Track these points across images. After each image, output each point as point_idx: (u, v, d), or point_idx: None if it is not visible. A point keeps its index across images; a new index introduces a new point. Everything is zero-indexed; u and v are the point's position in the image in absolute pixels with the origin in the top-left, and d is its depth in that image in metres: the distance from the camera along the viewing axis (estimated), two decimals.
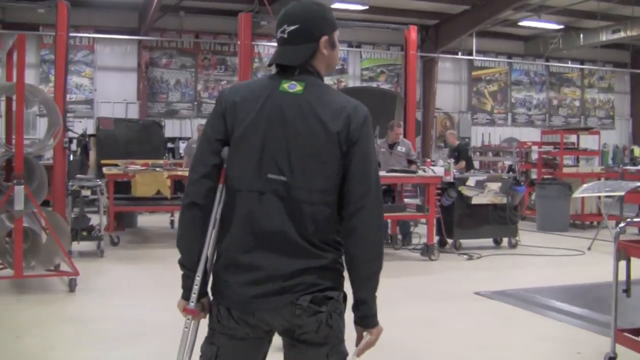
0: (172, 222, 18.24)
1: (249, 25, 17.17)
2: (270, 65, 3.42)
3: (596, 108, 35.90)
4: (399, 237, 15.18)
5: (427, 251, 13.73)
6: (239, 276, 3.23)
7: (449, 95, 32.63)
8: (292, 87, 3.25)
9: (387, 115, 17.76)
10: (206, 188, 3.30)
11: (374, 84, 29.90)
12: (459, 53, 32.04)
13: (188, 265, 3.36)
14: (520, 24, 29.95)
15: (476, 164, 25.84)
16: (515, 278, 12.47)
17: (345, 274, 3.33)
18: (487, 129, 32.95)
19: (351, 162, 3.19)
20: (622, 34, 28.64)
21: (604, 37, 29.47)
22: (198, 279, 3.33)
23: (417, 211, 14.16)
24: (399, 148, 15.39)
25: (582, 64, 35.10)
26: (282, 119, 3.20)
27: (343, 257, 3.31)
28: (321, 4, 3.43)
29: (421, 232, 15.01)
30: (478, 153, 27.83)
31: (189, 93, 28.38)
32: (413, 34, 17.35)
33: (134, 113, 27.21)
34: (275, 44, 3.44)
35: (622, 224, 7.36)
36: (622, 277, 7.29)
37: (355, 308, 3.33)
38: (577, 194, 15.34)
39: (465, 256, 14.06)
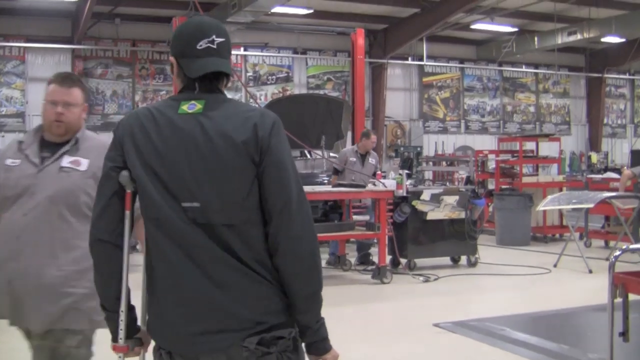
0: None
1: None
2: (199, 75, 3.13)
3: (552, 114, 35.34)
4: (353, 259, 14.11)
5: (378, 274, 12.46)
6: (176, 313, 3.04)
7: (399, 102, 31.70)
8: (192, 107, 3.09)
9: (333, 124, 16.69)
10: (109, 222, 3.16)
11: (321, 92, 28.80)
12: (409, 58, 31.31)
13: (108, 307, 3.23)
14: (473, 27, 29.10)
15: (429, 175, 24.83)
16: (478, 304, 11.28)
17: None
18: (440, 137, 32.09)
19: (264, 173, 3.01)
20: (578, 36, 28.02)
21: (560, 39, 28.75)
22: (122, 315, 3.20)
23: (367, 229, 12.75)
24: (370, 160, 14.41)
25: (536, 68, 34.53)
26: (184, 143, 3.03)
27: None
28: None
29: (375, 251, 13.77)
30: (431, 163, 27.04)
31: (127, 104, 26.98)
32: (360, 37, 16.36)
33: None
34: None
35: (617, 252, 5.93)
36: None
37: (302, 335, 3.10)
38: (542, 207, 14.27)
39: (421, 278, 12.86)
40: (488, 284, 12.79)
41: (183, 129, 3.04)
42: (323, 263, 13.56)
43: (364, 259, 14.09)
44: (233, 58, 27.49)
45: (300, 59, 29.83)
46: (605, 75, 34.91)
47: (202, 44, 3.11)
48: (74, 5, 24.03)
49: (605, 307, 6.07)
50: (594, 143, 35.40)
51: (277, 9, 23.57)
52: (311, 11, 25.24)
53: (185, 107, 3.08)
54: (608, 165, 31.86)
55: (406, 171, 16.31)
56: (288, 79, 29.40)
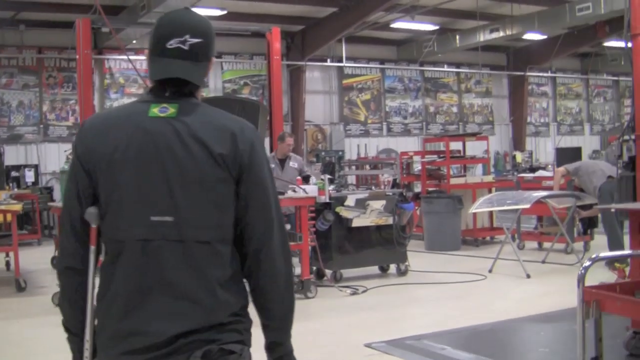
0: (7, 263, 14.88)
1: (88, 31, 14.79)
2: (160, 78, 2.92)
3: (475, 114, 34.94)
4: None
5: (302, 288, 11.39)
6: (119, 347, 2.84)
7: (319, 106, 31.01)
8: (164, 110, 2.87)
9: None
10: (79, 249, 2.98)
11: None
12: (328, 60, 30.68)
13: (73, 330, 3.06)
14: (393, 26, 28.40)
15: (352, 179, 24.05)
16: (413, 319, 10.31)
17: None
18: (362, 140, 31.33)
19: (247, 192, 2.90)
20: (500, 33, 27.61)
21: (482, 37, 28.30)
22: (87, 341, 3.00)
23: (289, 240, 11.63)
24: (290, 163, 13.71)
25: (458, 67, 34.13)
26: (156, 148, 2.82)
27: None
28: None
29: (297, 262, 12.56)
30: (354, 167, 26.22)
31: (34, 115, 25.60)
32: (276, 37, 15.44)
33: None
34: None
35: (587, 263, 4.95)
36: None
37: (270, 351, 3.07)
38: (475, 209, 13.50)
39: (348, 290, 11.86)
40: (421, 295, 11.90)
41: (154, 133, 2.84)
42: None
43: None
44: (145, 64, 26.41)
45: (215, 63, 28.36)
46: (528, 74, 34.68)
47: (173, 44, 2.90)
48: None
49: (551, 317, 5.20)
50: (517, 142, 35.16)
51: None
52: (225, 12, 24.44)
53: (156, 110, 2.88)
54: (533, 164, 31.65)
55: (328, 176, 15.40)
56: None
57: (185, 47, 2.91)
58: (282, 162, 13.66)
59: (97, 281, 3.03)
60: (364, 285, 12.16)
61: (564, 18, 25.33)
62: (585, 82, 37.87)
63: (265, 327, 3.05)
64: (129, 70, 26.12)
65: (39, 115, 25.50)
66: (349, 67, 31.26)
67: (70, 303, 3.06)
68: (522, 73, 34.44)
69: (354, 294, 11.69)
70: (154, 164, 2.83)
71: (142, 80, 26.82)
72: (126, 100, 25.14)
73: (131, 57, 26.32)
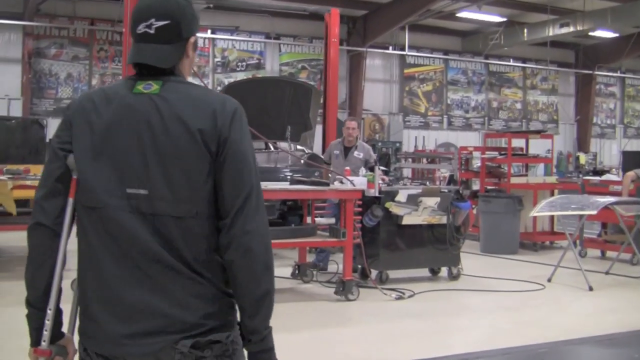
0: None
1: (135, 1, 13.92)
2: (130, 63, 3.01)
3: (539, 111, 34.37)
4: (318, 264, 12.49)
5: (342, 289, 10.51)
6: (107, 313, 2.85)
7: (378, 94, 30.56)
8: (148, 87, 2.90)
9: (299, 112, 15.00)
10: (54, 206, 2.95)
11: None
12: (390, 48, 30.08)
13: (33, 302, 2.97)
14: (458, 15, 27.82)
15: (408, 173, 23.17)
16: (460, 330, 9.34)
17: None
18: (421, 132, 30.87)
19: (224, 164, 2.85)
20: (570, 28, 26.83)
21: (551, 31, 27.52)
22: (49, 314, 2.92)
23: (331, 235, 10.76)
24: (355, 153, 12.81)
25: (524, 62, 33.48)
26: (136, 122, 2.86)
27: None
28: (189, 0, 3.03)
29: (340, 258, 11.71)
30: (410, 160, 25.46)
31: (82, 88, 25.25)
32: (335, 18, 14.49)
33: (17, 110, 23.93)
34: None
35: None
36: None
37: (246, 342, 2.92)
38: (536, 212, 12.47)
39: (394, 294, 10.88)
40: (472, 303, 10.86)
41: (136, 108, 2.87)
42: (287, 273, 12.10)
43: (323, 264, 12.60)
44: (200, 42, 26.32)
45: (273, 45, 28.46)
46: (596, 73, 33.91)
47: (141, 28, 2.92)
48: None
49: (616, 340, 5.92)
50: (582, 143, 34.34)
51: None
52: None
53: (140, 87, 2.90)
54: (596, 166, 30.81)
55: (382, 168, 14.55)
56: (259, 66, 28.04)
57: (152, 31, 2.93)
58: (347, 150, 12.86)
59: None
60: (411, 289, 11.23)
61: (638, 15, 24.35)
62: None
63: (242, 311, 2.93)
64: None
65: (88, 89, 24.72)
66: (412, 56, 30.79)
67: (35, 265, 2.98)
68: (590, 72, 33.66)
69: (399, 298, 10.75)
70: (132, 138, 2.85)
71: (199, 59, 26.33)
72: None
73: None
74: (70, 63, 25.18)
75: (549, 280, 12.16)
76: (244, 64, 27.67)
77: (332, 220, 11.41)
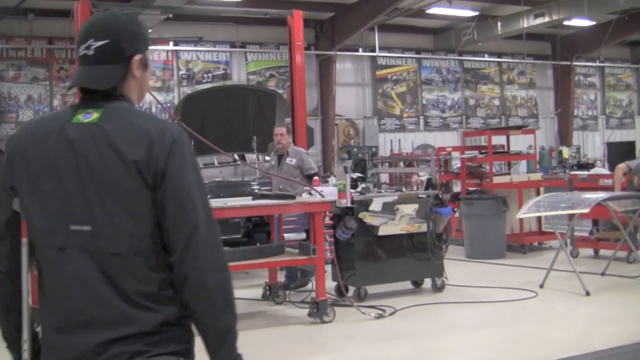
0: None
1: (87, 15, 13.05)
2: (70, 88, 3.10)
3: (518, 106, 33.97)
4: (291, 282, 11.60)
5: (317, 310, 9.57)
6: (53, 355, 2.86)
7: (350, 99, 30.15)
8: (87, 116, 2.87)
9: (265, 121, 14.19)
10: (4, 250, 2.98)
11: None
12: (360, 50, 29.64)
13: (10, 338, 3.06)
14: (429, 11, 27.37)
15: (385, 178, 22.38)
16: (445, 352, 8.46)
17: None
18: (397, 135, 30.46)
19: (164, 198, 2.79)
20: (546, 19, 26.40)
21: (525, 23, 27.06)
22: (26, 345, 3.01)
23: (301, 253, 9.84)
24: (287, 160, 11.77)
25: (500, 57, 33.09)
26: (74, 156, 2.81)
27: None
28: (133, 16, 3.04)
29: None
30: (387, 164, 24.76)
31: (44, 110, 24.66)
32: (298, 20, 13.79)
33: None
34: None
35: None
36: None
37: None
38: (523, 214, 11.62)
39: (373, 313, 9.92)
40: (459, 318, 9.94)
41: (74, 141, 2.83)
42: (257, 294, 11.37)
43: (297, 283, 11.65)
44: (163, 55, 26.20)
45: (239, 54, 27.96)
46: (574, 64, 33.57)
47: (81, 51, 2.93)
48: None
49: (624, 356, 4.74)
50: (564, 137, 33.98)
51: None
52: None
53: (80, 117, 2.87)
54: (580, 160, 30.58)
55: (358, 174, 13.67)
56: (226, 77, 27.47)
57: (91, 52, 2.90)
58: (280, 158, 11.95)
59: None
60: (393, 304, 10.30)
61: (616, 2, 23.89)
62: (635, 72, 36.61)
63: (206, 347, 2.89)
64: None
65: (50, 111, 24.37)
66: (383, 57, 30.43)
67: (2, 311, 3.03)
68: (568, 63, 33.35)
69: (379, 317, 9.80)
70: (72, 173, 2.80)
71: (163, 72, 25.73)
72: None
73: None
74: (29, 85, 24.64)
75: (542, 286, 11.27)
76: (210, 75, 27.07)
77: (303, 236, 10.52)
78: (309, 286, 11.05)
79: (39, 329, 3.00)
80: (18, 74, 24.38)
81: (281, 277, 11.56)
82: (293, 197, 9.76)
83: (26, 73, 24.49)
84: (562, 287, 11.12)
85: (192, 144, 3.09)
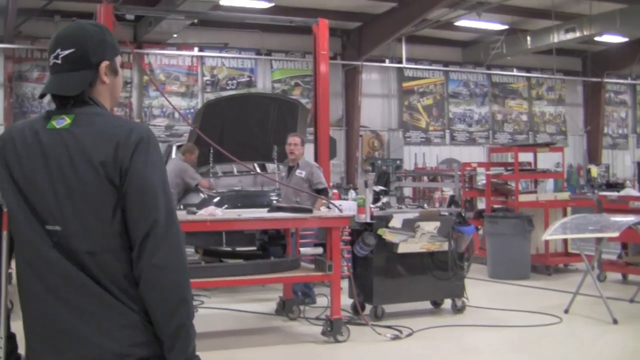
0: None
1: (110, 20, 12.80)
2: (41, 96, 3.23)
3: (546, 122, 33.26)
4: (304, 298, 11.18)
5: (331, 329, 9.19)
6: (41, 343, 2.93)
7: (376, 110, 29.62)
8: (61, 122, 2.99)
9: (286, 131, 13.73)
10: None
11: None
12: (387, 61, 29.10)
13: None
14: (457, 24, 26.79)
15: (409, 192, 21.93)
16: None
17: None
18: (422, 148, 29.93)
19: (126, 196, 2.89)
20: (577, 34, 25.77)
21: (555, 38, 26.43)
22: (1, 342, 3.08)
23: (316, 269, 9.48)
24: (297, 172, 11.31)
25: (529, 72, 32.40)
26: (46, 161, 2.93)
27: None
28: (100, 25, 3.20)
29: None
30: (410, 178, 24.30)
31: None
32: (324, 29, 13.38)
33: None
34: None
35: None
36: None
37: None
38: (549, 235, 11.21)
39: (389, 334, 9.53)
40: (478, 342, 9.59)
41: (47, 146, 2.95)
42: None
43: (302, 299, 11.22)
44: (188, 60, 25.91)
45: (265, 61, 27.51)
46: (605, 80, 32.87)
47: (51, 60, 3.07)
48: (4, 1, 21.11)
49: None
50: (593, 155, 33.33)
51: (234, 2, 21.44)
52: (272, 4, 22.75)
53: (54, 123, 2.98)
54: (609, 179, 29.69)
55: (381, 187, 13.33)
56: (250, 84, 27.00)
57: (59, 61, 3.03)
58: (291, 169, 11.53)
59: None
60: (410, 325, 9.91)
61: None
62: None
63: (163, 346, 2.90)
64: (170, 66, 24.91)
65: None
66: (410, 68, 29.90)
67: None
68: (599, 79, 32.68)
69: (395, 338, 9.41)
70: (45, 176, 2.90)
71: (187, 78, 25.50)
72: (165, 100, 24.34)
73: (173, 53, 25.21)
74: None
75: (566, 311, 10.84)
76: (235, 82, 26.66)
77: (319, 250, 10.12)
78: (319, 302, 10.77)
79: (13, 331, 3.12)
80: (42, 74, 24.05)
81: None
82: (310, 211, 9.40)
83: None
84: (588, 313, 10.71)
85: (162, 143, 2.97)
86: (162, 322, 2.88)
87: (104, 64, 3.07)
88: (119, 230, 2.90)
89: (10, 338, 3.11)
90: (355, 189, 15.76)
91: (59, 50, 3.03)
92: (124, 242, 2.91)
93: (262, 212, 9.95)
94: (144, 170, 2.90)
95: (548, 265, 14.75)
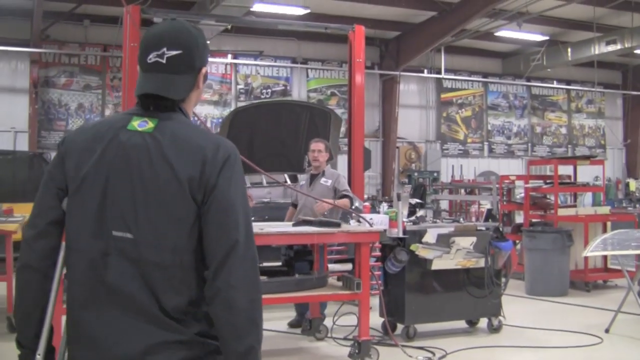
0: None
1: (137, 21, 12.47)
2: (139, 94, 2.98)
3: (585, 136, 33.01)
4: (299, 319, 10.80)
5: (358, 351, 8.65)
6: (85, 356, 2.86)
7: (414, 121, 29.37)
8: (143, 124, 2.91)
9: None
10: (43, 248, 2.97)
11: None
12: (425, 71, 28.80)
13: (24, 343, 3.00)
14: (497, 34, 26.59)
15: (445, 205, 21.46)
16: None
17: None
18: (460, 160, 29.56)
19: (209, 213, 2.83)
20: (618, 46, 25.43)
21: (597, 50, 25.97)
22: (39, 358, 2.96)
23: (344, 287, 8.97)
24: (322, 180, 10.72)
25: (569, 84, 32.10)
26: (126, 162, 2.87)
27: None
28: (199, 28, 3.14)
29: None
30: (447, 191, 23.97)
31: (95, 120, 23.37)
32: (360, 36, 13.10)
33: (24, 144, 22.77)
34: None
35: None
36: None
37: None
38: (590, 252, 10.69)
39: (421, 357, 9.02)
40: None
41: (128, 148, 2.87)
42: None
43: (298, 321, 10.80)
44: (222, 68, 25.66)
45: (300, 70, 27.19)
46: None
47: (152, 58, 2.94)
48: (31, 3, 20.95)
49: None
50: (632, 168, 32.93)
51: (269, 9, 21.26)
52: (308, 11, 22.33)
53: (135, 124, 2.91)
54: None
55: (417, 200, 12.92)
56: (285, 93, 26.68)
57: (163, 61, 2.91)
58: (314, 177, 10.91)
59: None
60: (444, 346, 9.43)
61: None
62: None
63: None
64: None
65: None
66: (449, 79, 29.66)
67: (24, 307, 2.98)
68: (638, 93, 32.32)
69: None
70: (121, 179, 2.83)
71: (221, 86, 25.21)
72: (198, 108, 23.75)
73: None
74: (81, 92, 24.02)
75: (607, 330, 10.35)
76: (269, 90, 26.36)
77: (349, 267, 9.65)
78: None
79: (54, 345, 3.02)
80: (70, 80, 23.83)
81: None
82: (338, 225, 8.91)
83: (78, 80, 23.93)
84: (631, 332, 10.25)
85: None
86: (232, 344, 2.82)
87: (204, 69, 3.05)
88: (194, 246, 2.84)
89: (49, 352, 3.01)
90: (390, 201, 15.34)
91: (164, 50, 2.92)
92: (197, 260, 2.85)
93: (286, 226, 9.51)
94: (229, 189, 2.85)
95: (587, 281, 14.29)
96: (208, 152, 2.85)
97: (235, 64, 25.89)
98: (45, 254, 2.97)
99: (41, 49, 23.01)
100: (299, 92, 26.92)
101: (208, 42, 13.82)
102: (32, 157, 17.97)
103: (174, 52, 2.92)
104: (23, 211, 11.97)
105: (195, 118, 18.79)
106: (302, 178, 11.22)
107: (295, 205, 11.02)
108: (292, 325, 10.65)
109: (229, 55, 25.54)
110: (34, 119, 23.11)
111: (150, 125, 2.90)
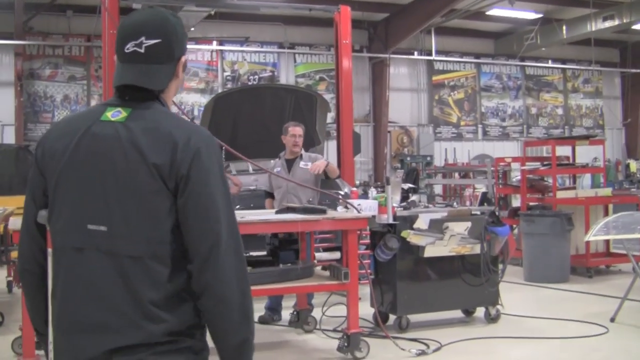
0: (9, 284, 12.57)
1: (116, 8, 12.05)
2: (116, 85, 2.95)
3: (582, 116, 32.69)
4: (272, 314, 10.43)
5: (348, 344, 8.21)
6: (65, 348, 2.88)
7: (405, 105, 29.05)
8: (116, 114, 2.89)
9: (305, 126, 12.77)
10: (34, 251, 3.08)
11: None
12: (416, 53, 28.54)
13: (41, 330, 3.18)
14: (489, 13, 26.30)
15: (439, 189, 20.99)
16: None
17: None
18: (454, 144, 29.18)
19: (187, 207, 2.78)
20: (615, 22, 24.93)
21: (593, 26, 25.59)
22: (51, 343, 3.02)
23: (331, 277, 8.53)
24: (301, 164, 10.23)
25: (564, 64, 31.80)
26: (97, 153, 2.85)
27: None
28: (178, 16, 3.04)
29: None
30: (441, 175, 23.67)
31: (81, 110, 23.08)
32: (346, 16, 12.80)
33: (11, 137, 22.82)
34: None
35: None
36: None
37: None
38: (592, 236, 10.21)
39: (414, 350, 8.52)
40: (516, 358, 8.57)
41: (100, 139, 2.86)
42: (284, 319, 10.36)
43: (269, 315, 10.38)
44: (207, 55, 25.44)
45: (288, 55, 26.94)
46: None
47: (130, 47, 2.89)
48: None
49: None
50: (632, 149, 32.51)
51: None
52: None
53: (109, 114, 2.89)
54: None
55: (410, 185, 12.51)
56: (273, 79, 26.43)
57: (141, 50, 2.87)
58: (291, 162, 10.41)
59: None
60: (438, 338, 8.98)
61: None
62: None
63: (220, 358, 2.87)
64: (188, 61, 24.34)
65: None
66: (440, 61, 29.40)
67: (33, 304, 3.13)
68: (637, 70, 31.83)
69: (421, 354, 8.44)
70: (93, 170, 2.81)
71: (207, 73, 24.94)
72: (184, 96, 24.51)
73: (191, 47, 24.37)
74: (66, 84, 23.94)
75: (613, 319, 9.85)
76: (256, 76, 26.11)
77: (337, 255, 9.11)
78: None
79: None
80: (54, 72, 23.75)
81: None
82: (323, 212, 8.39)
83: (63, 72, 23.86)
84: (638, 321, 9.72)
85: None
86: (225, 336, 2.82)
87: (183, 58, 2.99)
88: (169, 238, 2.78)
89: None
90: (382, 187, 14.90)
91: (143, 39, 2.86)
92: (173, 251, 2.78)
93: (269, 213, 8.99)
94: (207, 180, 2.79)
95: (589, 267, 13.86)
96: (179, 139, 2.78)
97: (221, 51, 25.67)
98: (37, 256, 3.04)
99: (25, 41, 22.86)
100: (286, 78, 26.68)
101: (192, 29, 13.24)
102: (18, 150, 18.25)
103: (152, 41, 2.87)
104: (10, 204, 11.98)
105: (176, 108, 18.22)
106: (275, 164, 10.59)
107: (271, 194, 10.51)
108: (263, 321, 10.12)
109: (215, 42, 25.30)
110: (19, 111, 23.04)
111: (123, 114, 2.86)
